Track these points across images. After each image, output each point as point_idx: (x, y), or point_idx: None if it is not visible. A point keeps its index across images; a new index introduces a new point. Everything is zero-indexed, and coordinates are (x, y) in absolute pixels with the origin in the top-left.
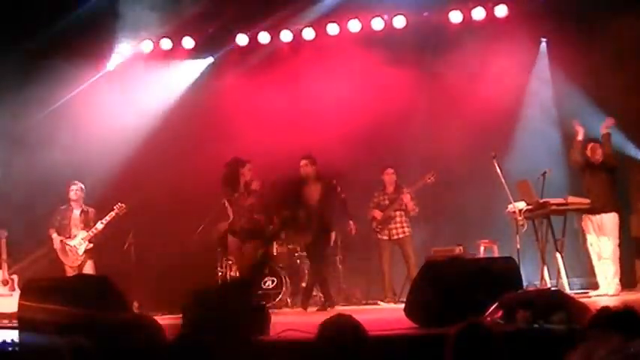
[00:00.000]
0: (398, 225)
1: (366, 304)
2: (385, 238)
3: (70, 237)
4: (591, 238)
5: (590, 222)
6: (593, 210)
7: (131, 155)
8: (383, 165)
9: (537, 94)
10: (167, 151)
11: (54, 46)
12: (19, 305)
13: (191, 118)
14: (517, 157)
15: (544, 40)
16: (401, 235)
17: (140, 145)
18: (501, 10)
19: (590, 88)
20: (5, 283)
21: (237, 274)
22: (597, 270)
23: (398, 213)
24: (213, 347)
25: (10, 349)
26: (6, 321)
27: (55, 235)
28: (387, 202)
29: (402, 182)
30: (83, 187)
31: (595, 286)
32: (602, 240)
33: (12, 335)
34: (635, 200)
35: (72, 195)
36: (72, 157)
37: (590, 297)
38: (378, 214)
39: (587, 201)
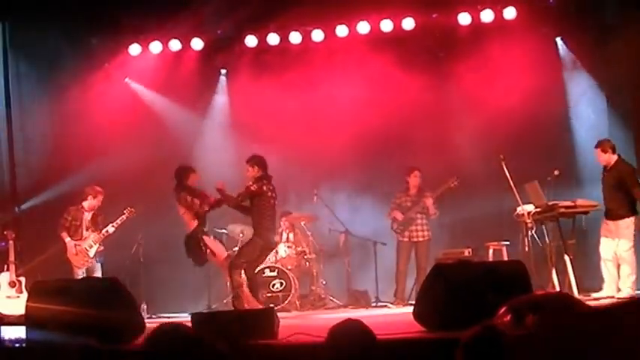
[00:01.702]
0: (419, 227)
1: (376, 306)
2: (405, 239)
3: (80, 239)
4: (604, 241)
5: (605, 224)
6: (606, 213)
7: (139, 158)
8: (410, 167)
9: (550, 94)
10: (175, 153)
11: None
12: (27, 307)
13: (200, 120)
14: (528, 158)
15: (559, 39)
16: (421, 239)
17: (148, 148)
18: (510, 13)
19: (603, 86)
20: (13, 284)
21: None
22: (606, 273)
23: (419, 215)
24: (224, 352)
25: (18, 345)
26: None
27: (68, 239)
28: (409, 203)
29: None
30: (101, 192)
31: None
32: (615, 243)
33: (21, 332)
34: None
35: (95, 204)
36: (82, 160)
37: (598, 300)
38: (399, 215)
39: (596, 203)
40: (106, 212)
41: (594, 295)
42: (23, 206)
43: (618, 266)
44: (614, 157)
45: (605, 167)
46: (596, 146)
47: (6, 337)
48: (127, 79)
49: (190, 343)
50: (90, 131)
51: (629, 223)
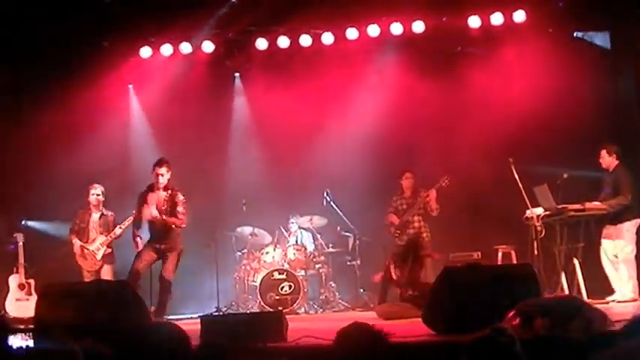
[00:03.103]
0: (416, 231)
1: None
2: (403, 243)
3: (88, 241)
4: (607, 243)
5: (606, 229)
6: (608, 218)
7: (149, 159)
8: (401, 169)
9: (560, 96)
10: (185, 156)
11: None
12: (37, 309)
13: (211, 122)
14: (537, 161)
15: (578, 33)
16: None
17: (157, 149)
18: (519, 15)
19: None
20: (22, 287)
21: (255, 279)
22: (612, 275)
23: (416, 218)
24: (234, 355)
25: (24, 352)
26: (22, 326)
27: (75, 240)
28: (404, 206)
29: (420, 187)
30: (103, 190)
31: (613, 292)
32: (614, 244)
33: (27, 341)
34: None
35: (92, 199)
36: (92, 160)
37: (607, 303)
38: (395, 219)
39: (605, 207)
40: (118, 215)
41: (609, 298)
42: (30, 223)
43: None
44: (616, 162)
45: (606, 171)
46: (602, 147)
47: (14, 345)
48: (129, 86)
49: None
50: (99, 133)
51: (629, 226)
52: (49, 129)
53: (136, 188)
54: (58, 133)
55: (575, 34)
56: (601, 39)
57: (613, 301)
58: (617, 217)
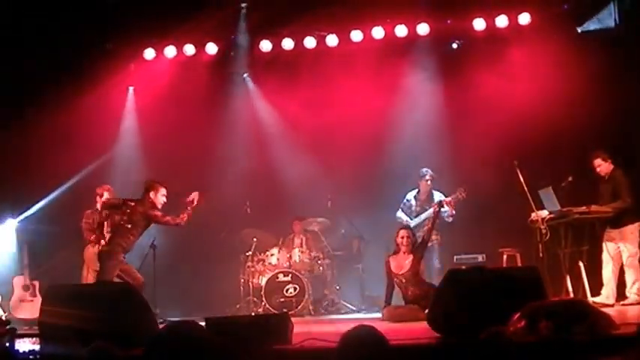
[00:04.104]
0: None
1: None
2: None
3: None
4: (610, 246)
5: (607, 233)
6: (609, 222)
7: (149, 161)
8: (422, 169)
9: (565, 98)
10: (187, 157)
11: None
12: (41, 311)
13: (213, 124)
14: (542, 164)
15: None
16: (429, 244)
17: (159, 151)
18: (524, 18)
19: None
20: (27, 288)
21: (260, 281)
22: (608, 279)
23: (426, 222)
24: (238, 356)
25: (31, 357)
26: (27, 327)
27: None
28: (417, 208)
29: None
30: (112, 190)
31: (621, 295)
32: (616, 247)
33: (33, 346)
34: None
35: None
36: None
37: (613, 306)
38: (406, 221)
39: (609, 210)
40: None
41: (592, 299)
42: (19, 219)
43: (618, 272)
44: (611, 167)
45: (602, 177)
46: (596, 156)
47: (20, 350)
48: (130, 88)
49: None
50: (104, 135)
51: (632, 229)
52: (51, 130)
53: (135, 189)
54: (59, 134)
55: (579, 30)
56: (606, 19)
57: (595, 303)
58: (618, 221)
